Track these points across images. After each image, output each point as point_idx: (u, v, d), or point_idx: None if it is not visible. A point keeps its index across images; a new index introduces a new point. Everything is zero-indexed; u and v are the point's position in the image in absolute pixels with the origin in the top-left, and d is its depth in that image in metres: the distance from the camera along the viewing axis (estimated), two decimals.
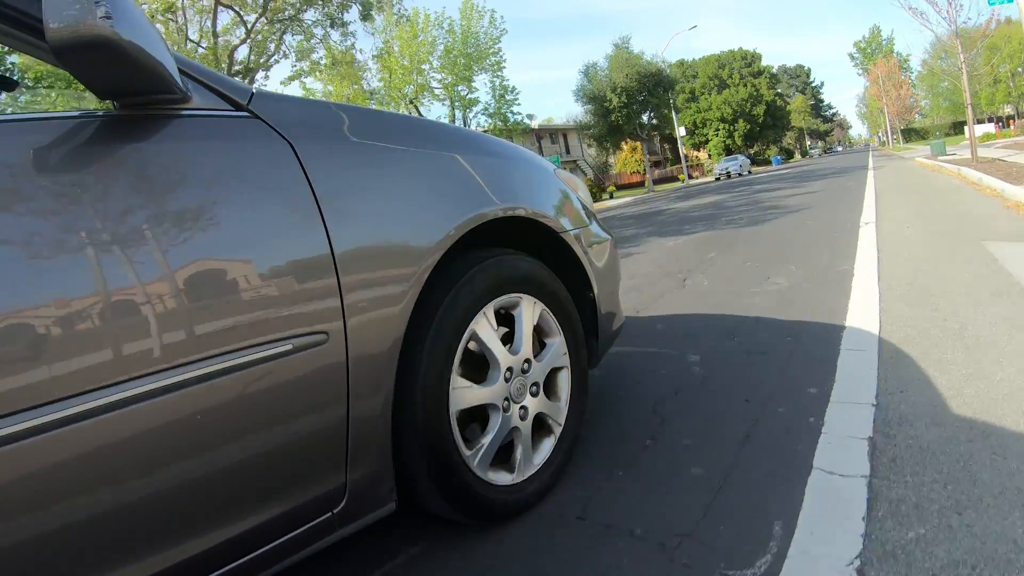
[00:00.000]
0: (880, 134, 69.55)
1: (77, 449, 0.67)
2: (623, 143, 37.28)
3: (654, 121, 35.16)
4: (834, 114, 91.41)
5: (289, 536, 0.90)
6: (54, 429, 0.65)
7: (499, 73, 24.24)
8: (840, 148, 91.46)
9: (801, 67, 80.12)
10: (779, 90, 54.46)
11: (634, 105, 30.86)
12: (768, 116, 48.98)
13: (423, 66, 21.99)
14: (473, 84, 23.56)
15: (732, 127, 47.87)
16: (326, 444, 0.93)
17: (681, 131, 33.26)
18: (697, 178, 42.22)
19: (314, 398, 0.90)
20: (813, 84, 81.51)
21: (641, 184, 39.65)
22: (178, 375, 0.74)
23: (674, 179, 43.52)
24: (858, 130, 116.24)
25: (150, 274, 0.75)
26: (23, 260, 0.67)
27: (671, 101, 33.34)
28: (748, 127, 47.91)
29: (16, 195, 0.70)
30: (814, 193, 9.33)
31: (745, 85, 48.66)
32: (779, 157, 49.39)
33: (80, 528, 0.69)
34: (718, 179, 31.08)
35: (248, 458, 0.83)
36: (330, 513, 0.95)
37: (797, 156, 66.47)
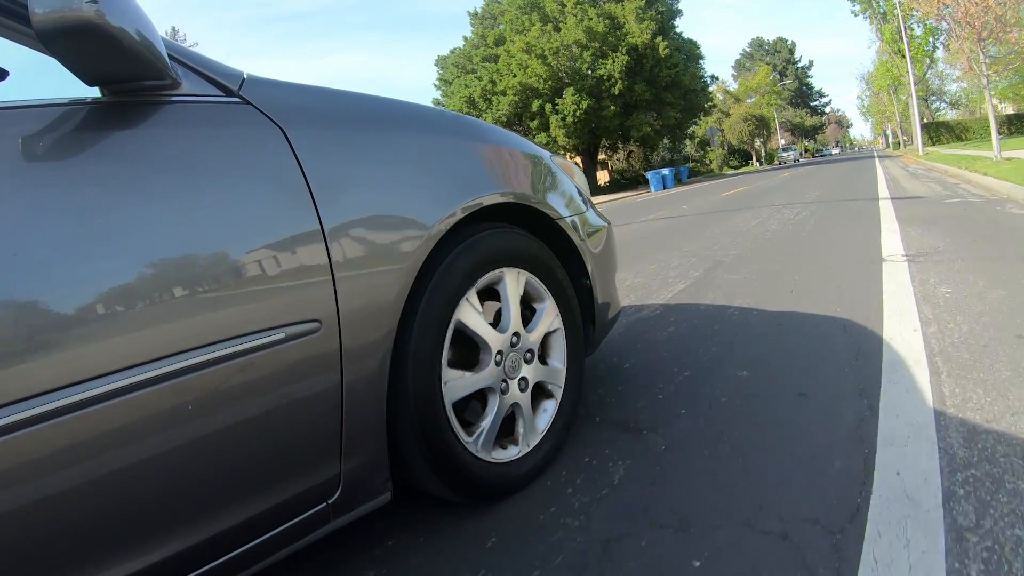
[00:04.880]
0: (890, 131, 44.75)
1: (67, 441, 0.67)
2: None
3: None
4: (827, 105, 68.16)
5: (283, 527, 0.89)
6: (42, 422, 0.64)
7: None
8: (836, 150, 69.56)
9: (783, 40, 60.84)
10: (679, 31, 26.12)
11: None
12: (645, 82, 22.85)
13: None
14: None
15: (552, 105, 22.46)
16: (320, 434, 0.92)
17: None
18: None
19: (307, 387, 0.89)
20: (799, 64, 61.61)
21: None
22: (165, 366, 0.73)
23: None
24: (860, 130, 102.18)
25: (139, 263, 0.74)
26: (13, 250, 0.66)
27: None
28: (588, 103, 21.95)
29: (4, 184, 0.68)
30: None
31: (582, 19, 22.01)
32: (662, 172, 21.05)
33: (68, 522, 0.68)
34: None
35: (240, 449, 0.82)
36: (324, 504, 0.94)
37: (754, 163, 43.54)
